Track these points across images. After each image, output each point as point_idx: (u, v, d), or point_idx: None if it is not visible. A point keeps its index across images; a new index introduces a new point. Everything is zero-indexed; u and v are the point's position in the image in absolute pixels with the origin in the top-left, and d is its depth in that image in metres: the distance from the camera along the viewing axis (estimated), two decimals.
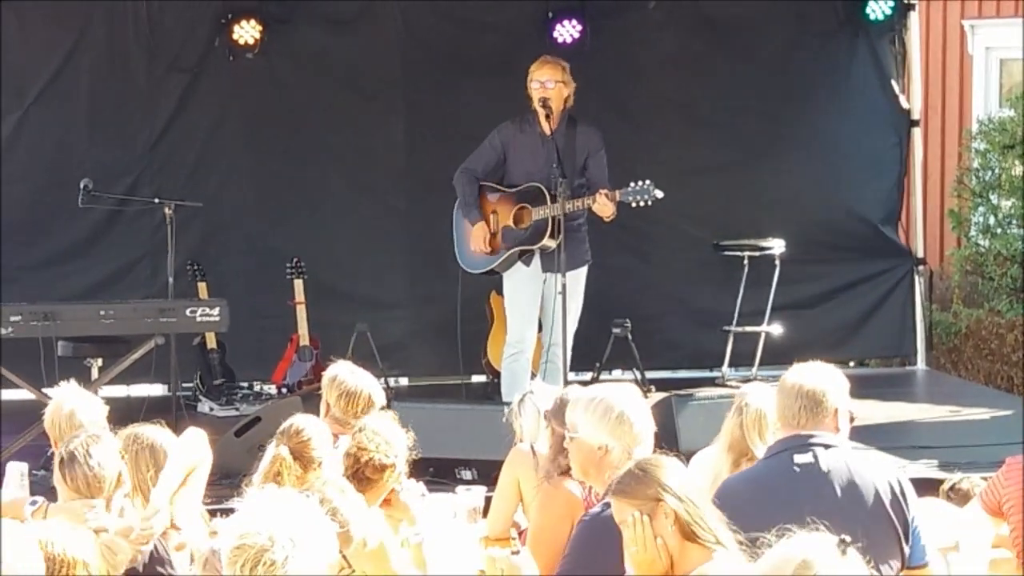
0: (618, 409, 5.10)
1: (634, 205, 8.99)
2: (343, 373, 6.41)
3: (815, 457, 4.92)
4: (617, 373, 11.32)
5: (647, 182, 8.92)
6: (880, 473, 5.04)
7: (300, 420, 5.56)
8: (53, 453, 5.78)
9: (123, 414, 5.88)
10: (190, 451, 5.39)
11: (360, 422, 5.64)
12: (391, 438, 5.38)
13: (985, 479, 6.27)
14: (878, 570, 4.79)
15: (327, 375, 6.46)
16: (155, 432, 5.49)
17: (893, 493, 4.95)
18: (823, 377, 5.06)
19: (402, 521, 5.87)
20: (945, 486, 6.67)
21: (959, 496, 6.50)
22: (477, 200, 9.40)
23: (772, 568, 3.54)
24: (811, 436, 4.97)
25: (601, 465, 5.01)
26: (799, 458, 4.92)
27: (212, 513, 5.86)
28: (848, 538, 3.61)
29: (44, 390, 7.94)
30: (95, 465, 4.99)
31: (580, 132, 9.32)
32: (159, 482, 5.20)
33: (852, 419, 5.15)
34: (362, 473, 5.25)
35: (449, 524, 6.01)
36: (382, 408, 6.39)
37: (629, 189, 8.96)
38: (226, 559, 3.54)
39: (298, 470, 5.34)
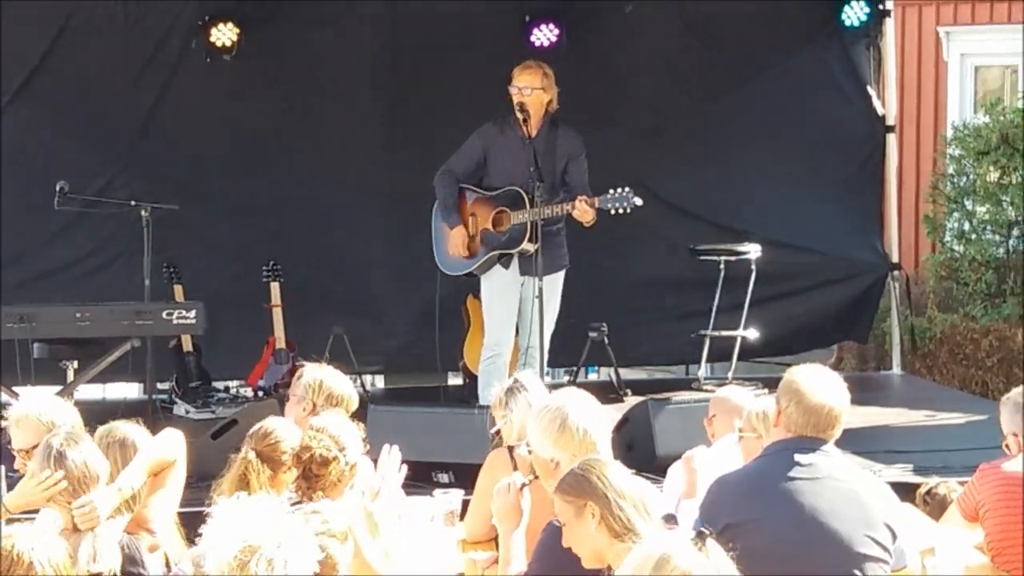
0: (560, 419, 5.06)
1: (613, 212, 9.00)
2: (327, 377, 6.40)
3: (813, 460, 4.95)
4: (593, 375, 11.36)
5: (626, 189, 8.94)
6: (872, 481, 5.09)
7: (270, 423, 5.55)
8: None
9: (99, 416, 5.85)
10: (161, 447, 5.36)
11: (309, 422, 5.63)
12: (336, 432, 5.37)
13: (961, 483, 6.31)
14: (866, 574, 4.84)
15: (311, 378, 6.42)
16: (129, 428, 5.47)
17: (885, 501, 4.98)
18: (842, 395, 5.06)
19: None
20: (922, 491, 6.69)
21: (936, 501, 6.53)
22: (457, 204, 9.40)
23: (634, 568, 3.59)
24: (815, 441, 5.00)
25: (558, 478, 5.00)
26: (801, 458, 4.94)
27: (185, 516, 5.82)
28: (707, 530, 3.65)
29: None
30: (83, 463, 4.98)
31: (561, 136, 9.33)
32: (122, 473, 5.17)
33: None
34: (309, 471, 5.25)
35: (427, 527, 6.01)
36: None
37: (608, 196, 8.97)
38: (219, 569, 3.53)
39: (268, 472, 5.33)
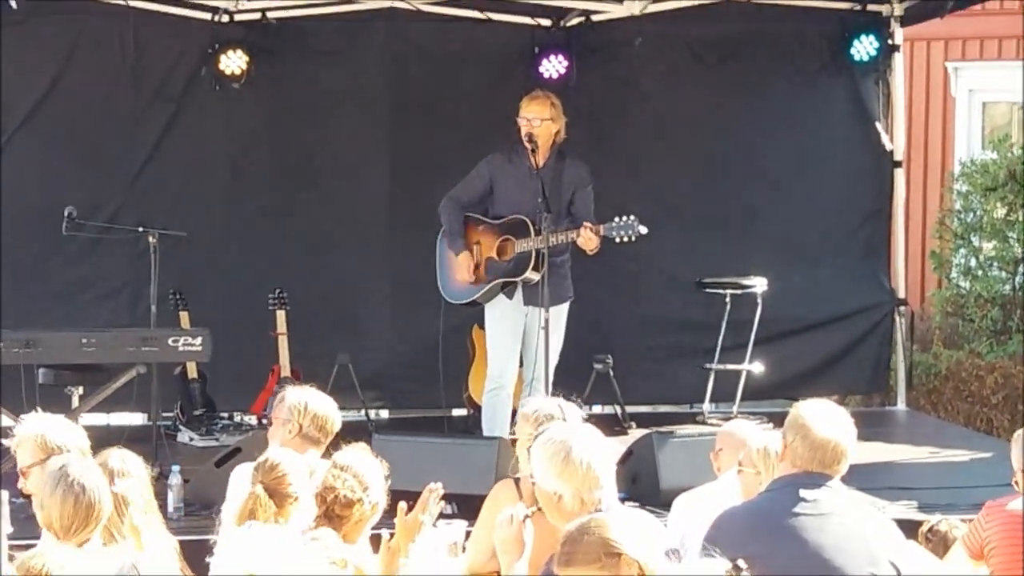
0: (563, 452, 5.00)
1: (618, 240, 9.01)
2: (312, 399, 6.40)
3: (818, 496, 4.94)
4: (597, 408, 11.34)
5: (631, 217, 8.94)
6: (877, 518, 5.08)
7: (275, 455, 5.51)
8: None
9: (103, 443, 5.84)
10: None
11: (333, 458, 5.61)
12: (361, 471, 5.35)
13: (964, 521, 6.30)
14: None
15: (295, 400, 6.40)
16: (120, 460, 5.45)
17: (890, 538, 4.97)
18: (848, 431, 5.05)
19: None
20: (923, 528, 6.68)
21: (937, 538, 6.51)
22: (462, 230, 9.41)
23: None
24: (821, 477, 4.99)
25: (561, 511, 4.97)
26: (806, 493, 4.93)
27: (188, 545, 5.82)
28: (743, 564, 3.62)
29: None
30: (94, 493, 4.96)
31: (568, 166, 9.34)
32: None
33: None
34: (332, 511, 5.23)
35: (430, 558, 6.00)
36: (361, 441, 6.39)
37: (613, 224, 8.98)
38: None
39: (273, 507, 5.31)
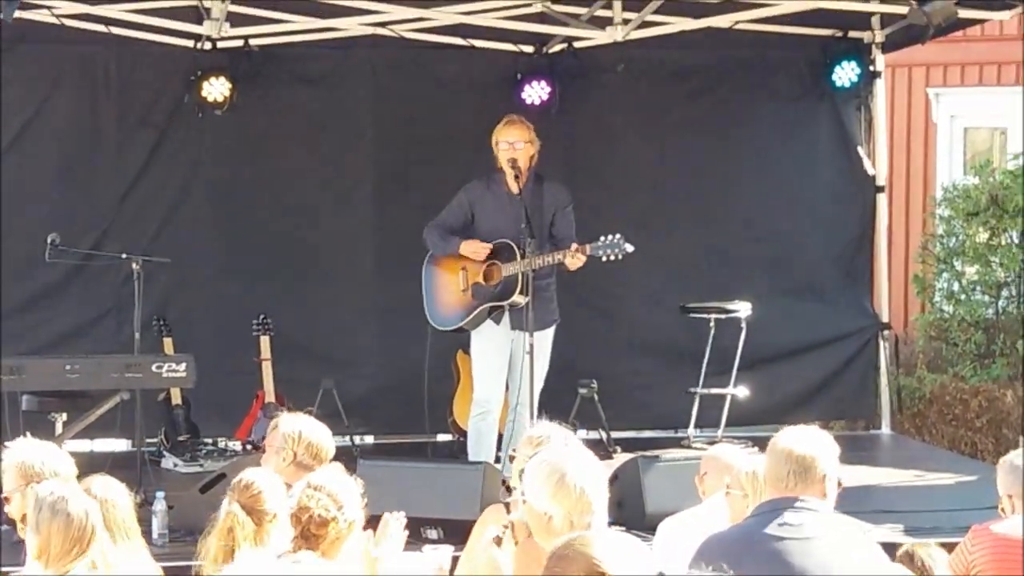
0: (558, 474, 4.99)
1: (604, 259, 9.03)
2: (306, 428, 6.40)
3: (803, 520, 4.94)
4: (582, 433, 11.34)
5: (618, 236, 8.96)
6: (861, 541, 5.08)
7: (249, 474, 5.51)
8: None
9: (87, 469, 5.83)
10: None
11: (307, 478, 5.61)
12: (335, 490, 5.34)
13: (946, 544, 6.29)
14: None
15: (290, 428, 6.41)
16: (103, 487, 5.43)
17: (874, 561, 4.98)
18: (814, 443, 5.07)
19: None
20: (900, 552, 6.68)
21: (904, 555, 6.51)
22: (451, 237, 9.39)
23: None
24: (799, 499, 4.99)
25: (550, 532, 4.96)
26: (790, 517, 4.94)
27: (172, 571, 5.80)
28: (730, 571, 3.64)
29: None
30: (81, 513, 4.93)
31: (547, 189, 9.37)
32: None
33: (839, 485, 5.15)
34: (307, 531, 5.23)
35: None
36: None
37: (600, 243, 9.00)
38: None
39: (252, 525, 5.30)
